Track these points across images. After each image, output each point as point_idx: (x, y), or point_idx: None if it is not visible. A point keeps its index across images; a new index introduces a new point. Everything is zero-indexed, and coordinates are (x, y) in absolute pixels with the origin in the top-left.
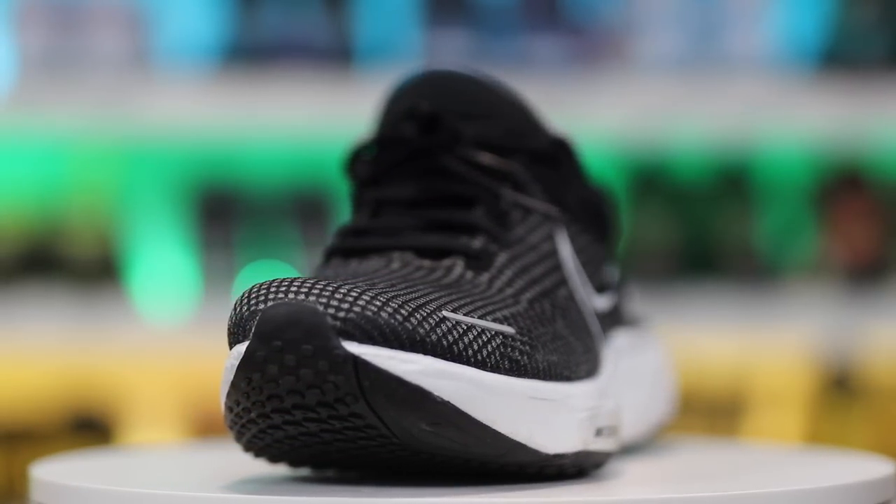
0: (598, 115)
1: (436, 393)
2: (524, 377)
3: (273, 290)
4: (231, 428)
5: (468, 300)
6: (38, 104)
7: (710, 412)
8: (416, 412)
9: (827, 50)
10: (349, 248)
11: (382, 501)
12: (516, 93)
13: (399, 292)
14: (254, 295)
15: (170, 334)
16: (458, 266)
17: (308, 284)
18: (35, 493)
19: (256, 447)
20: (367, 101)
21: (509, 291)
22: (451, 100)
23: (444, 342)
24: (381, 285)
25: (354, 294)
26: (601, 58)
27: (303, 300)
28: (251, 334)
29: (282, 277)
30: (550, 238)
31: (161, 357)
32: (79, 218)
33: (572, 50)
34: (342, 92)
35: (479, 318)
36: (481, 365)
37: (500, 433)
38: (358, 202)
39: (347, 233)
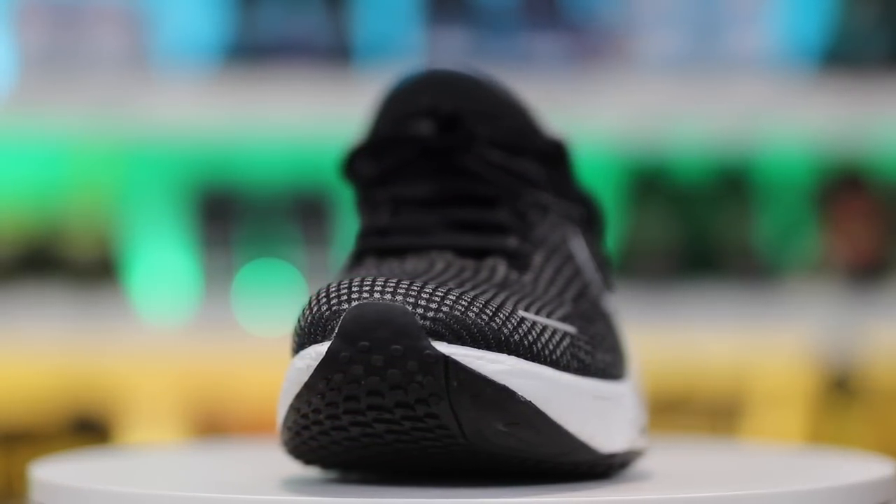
0: (598, 115)
1: (520, 393)
2: (588, 377)
3: (356, 289)
4: (289, 429)
5: (530, 300)
6: (38, 104)
7: (710, 412)
8: (497, 412)
9: (828, 50)
10: (384, 247)
11: (384, 501)
12: (516, 92)
13: (477, 292)
14: (333, 294)
15: (170, 335)
16: (502, 266)
17: (392, 284)
18: (34, 493)
19: (308, 449)
20: (367, 101)
21: (553, 291)
22: (460, 99)
23: (526, 342)
24: (452, 284)
25: (440, 294)
26: (601, 57)
27: (390, 300)
28: (334, 334)
29: (359, 277)
30: (567, 239)
31: (161, 357)
32: (78, 218)
33: (572, 49)
34: (342, 91)
35: (547, 317)
36: (556, 365)
37: (569, 433)
38: (367, 201)
39: (372, 232)
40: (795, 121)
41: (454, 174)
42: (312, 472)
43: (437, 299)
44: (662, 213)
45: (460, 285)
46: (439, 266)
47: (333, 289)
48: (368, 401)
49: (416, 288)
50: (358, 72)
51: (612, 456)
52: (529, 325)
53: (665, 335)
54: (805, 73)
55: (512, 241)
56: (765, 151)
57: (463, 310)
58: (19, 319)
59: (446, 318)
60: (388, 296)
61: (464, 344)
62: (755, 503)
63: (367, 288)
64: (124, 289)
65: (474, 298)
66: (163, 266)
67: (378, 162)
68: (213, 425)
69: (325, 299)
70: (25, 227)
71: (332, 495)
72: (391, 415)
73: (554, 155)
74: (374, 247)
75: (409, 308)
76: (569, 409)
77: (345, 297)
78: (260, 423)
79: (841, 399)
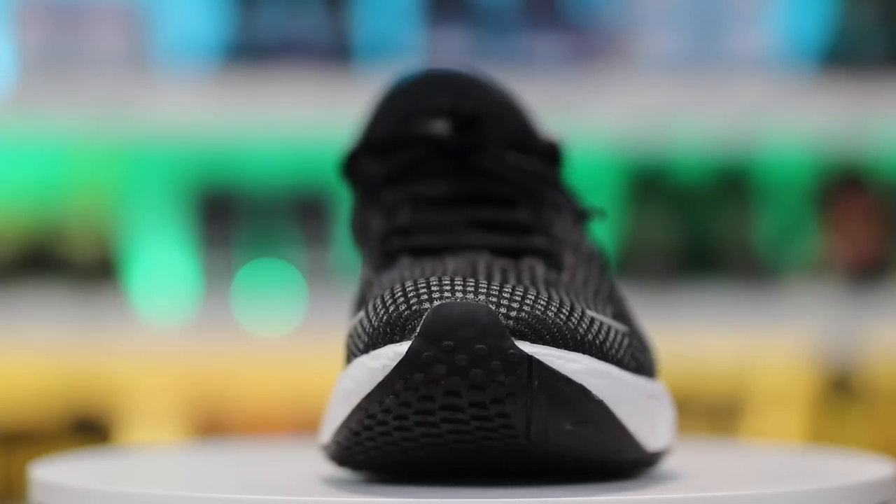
0: (598, 115)
1: (594, 392)
2: (642, 375)
3: (435, 288)
4: (349, 430)
5: (583, 299)
6: (38, 104)
7: (710, 412)
8: (569, 412)
9: (828, 50)
10: (419, 246)
11: (384, 501)
12: (514, 92)
13: (550, 292)
14: (411, 293)
15: (169, 335)
16: (539, 266)
17: (472, 283)
18: (34, 493)
19: (361, 450)
20: (367, 101)
21: (591, 290)
22: (471, 99)
23: (597, 342)
24: (521, 285)
25: (520, 293)
26: (602, 57)
27: (473, 299)
28: (415, 334)
29: (435, 276)
30: (582, 237)
31: (160, 357)
32: (78, 218)
33: (572, 49)
34: (342, 91)
35: (604, 317)
36: (620, 364)
37: (629, 432)
38: (374, 200)
39: (397, 232)
40: (795, 121)
41: (471, 174)
42: (312, 471)
43: (518, 299)
44: (662, 214)
45: (525, 285)
46: (482, 266)
47: (410, 288)
48: (444, 401)
49: (496, 287)
50: (358, 72)
51: (655, 454)
52: (599, 324)
53: (665, 335)
54: (805, 73)
55: (543, 241)
56: (765, 151)
57: (542, 309)
58: (19, 319)
59: (528, 317)
60: (471, 295)
61: (545, 343)
62: (755, 503)
63: (448, 287)
64: (124, 289)
65: (550, 298)
66: (163, 266)
67: (384, 161)
68: (213, 425)
69: (402, 298)
70: (25, 226)
71: (334, 495)
72: (462, 414)
73: (552, 154)
74: (409, 246)
75: (493, 307)
76: (631, 408)
77: (425, 297)
78: (260, 423)
79: (841, 399)
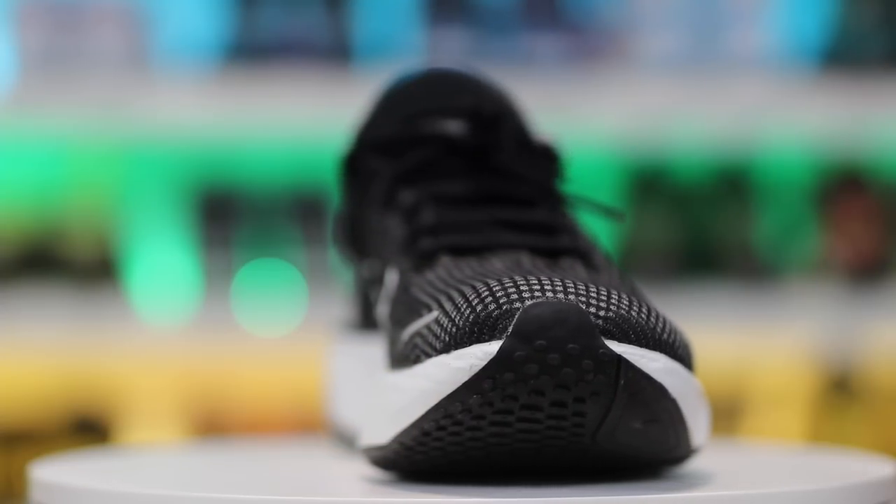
0: (598, 115)
1: (670, 390)
2: (694, 374)
3: (524, 288)
4: (420, 429)
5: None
6: (38, 104)
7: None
8: (646, 410)
9: (828, 50)
10: (461, 246)
11: (385, 500)
12: (511, 92)
13: (620, 291)
14: (500, 293)
15: (169, 335)
16: (579, 266)
17: (559, 283)
18: (34, 493)
19: (423, 453)
20: (367, 101)
21: (627, 289)
22: (483, 99)
23: (669, 340)
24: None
25: (605, 293)
26: (602, 57)
27: (563, 299)
28: (506, 333)
29: (520, 276)
30: (593, 237)
31: (160, 357)
32: (78, 218)
33: (572, 49)
34: (342, 91)
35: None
36: (683, 362)
37: (689, 430)
38: (392, 199)
39: (425, 231)
40: (795, 121)
41: (488, 174)
42: (312, 471)
43: (605, 298)
44: (663, 214)
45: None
46: (527, 265)
47: (497, 288)
48: (527, 400)
49: (582, 287)
50: (358, 72)
51: (696, 451)
52: (667, 323)
53: None
54: (805, 73)
55: (572, 241)
56: (765, 151)
57: (627, 309)
58: (19, 319)
59: (615, 317)
60: (561, 295)
61: (629, 343)
62: (755, 503)
63: (537, 287)
64: (124, 289)
65: (630, 299)
66: (162, 266)
67: (394, 160)
68: (213, 425)
69: (489, 298)
70: (25, 227)
71: (334, 495)
72: (540, 414)
73: (550, 155)
74: (448, 245)
75: (583, 307)
76: (691, 406)
77: (515, 297)
78: (260, 423)
79: (841, 399)
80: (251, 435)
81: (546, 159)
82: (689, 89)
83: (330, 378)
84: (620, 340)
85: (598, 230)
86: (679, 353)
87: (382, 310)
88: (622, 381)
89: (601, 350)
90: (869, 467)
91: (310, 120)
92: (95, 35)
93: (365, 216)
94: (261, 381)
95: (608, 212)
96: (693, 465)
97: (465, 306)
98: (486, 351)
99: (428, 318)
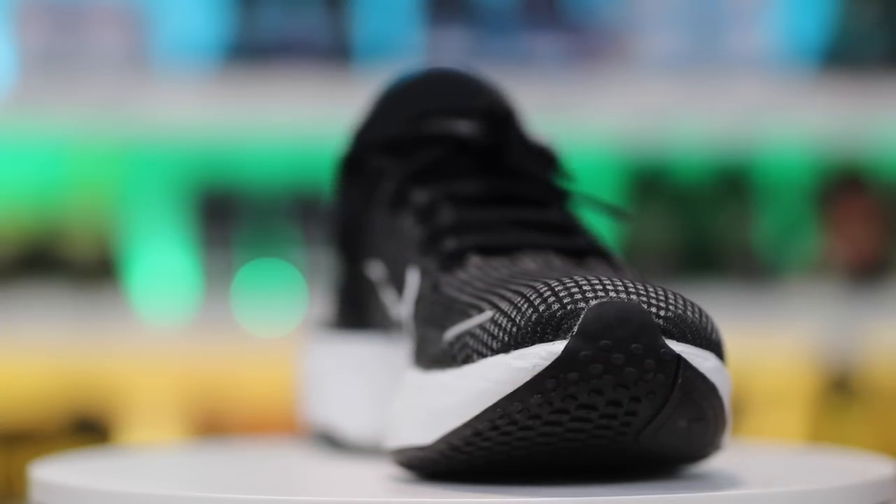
0: (598, 115)
1: (719, 389)
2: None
3: (587, 288)
4: (472, 429)
5: None
6: (38, 104)
7: None
8: (695, 409)
9: (828, 50)
10: (490, 245)
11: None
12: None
13: (674, 291)
14: (564, 293)
15: (169, 335)
16: (604, 265)
17: (620, 282)
18: (34, 493)
19: (466, 454)
20: (367, 101)
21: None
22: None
23: (716, 339)
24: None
25: (662, 292)
26: (601, 57)
27: (626, 298)
28: (571, 333)
29: (580, 276)
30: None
31: (161, 357)
32: (78, 218)
33: (572, 49)
34: (342, 91)
35: None
36: (724, 361)
37: (726, 430)
38: (404, 198)
39: (447, 231)
40: (795, 121)
41: (500, 173)
42: (312, 471)
43: (663, 298)
44: (663, 213)
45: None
46: (559, 265)
47: (559, 288)
48: (586, 399)
49: (641, 287)
50: (358, 72)
51: (721, 449)
52: (713, 322)
53: None
54: (805, 74)
55: (593, 241)
56: (765, 151)
57: (682, 308)
58: (19, 319)
59: (674, 317)
60: (623, 295)
61: (686, 342)
62: (755, 503)
63: (600, 287)
64: (124, 289)
65: (683, 298)
66: (163, 266)
67: (401, 160)
68: (213, 425)
69: (552, 298)
70: (25, 227)
71: (335, 494)
72: (594, 413)
73: (549, 155)
74: (479, 245)
75: (645, 307)
76: (729, 404)
77: (578, 297)
78: (260, 423)
79: (841, 399)
80: (251, 435)
81: (546, 159)
82: (689, 89)
83: (311, 377)
84: (679, 340)
85: (599, 229)
86: (722, 352)
87: (403, 310)
88: (679, 381)
89: (663, 350)
90: (869, 467)
91: (310, 120)
92: (95, 35)
93: (369, 216)
94: (261, 381)
95: (614, 211)
96: (692, 465)
97: (526, 306)
98: (550, 350)
99: (480, 318)
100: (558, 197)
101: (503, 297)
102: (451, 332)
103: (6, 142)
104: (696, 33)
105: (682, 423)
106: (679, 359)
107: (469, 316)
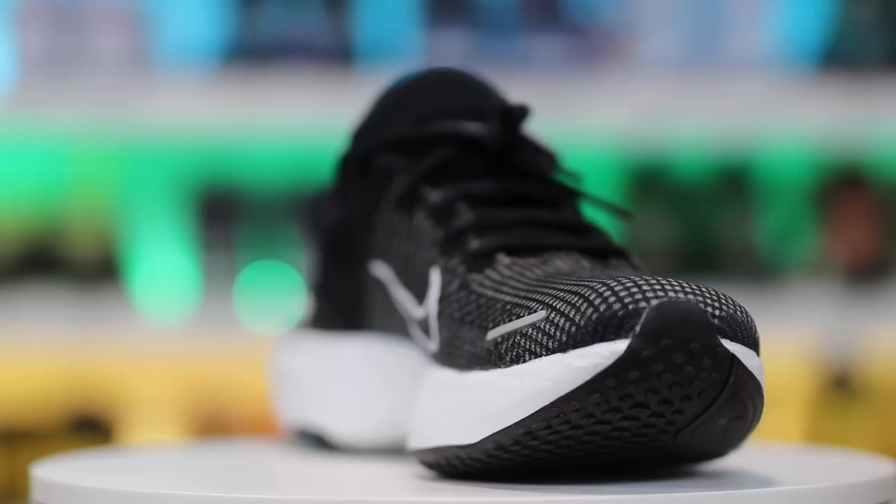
0: (598, 116)
1: (763, 388)
2: None
3: (647, 288)
4: (526, 428)
5: None
6: (39, 104)
7: None
8: (738, 407)
9: (827, 50)
10: (520, 245)
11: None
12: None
13: (722, 292)
14: (625, 293)
15: (171, 334)
16: (625, 265)
17: (675, 283)
18: (35, 493)
19: (514, 452)
20: (368, 101)
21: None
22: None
23: (759, 339)
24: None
25: (714, 292)
26: (601, 58)
27: (684, 298)
28: (632, 333)
29: (638, 276)
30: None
31: (162, 357)
32: (79, 218)
33: (572, 50)
34: (343, 92)
35: None
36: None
37: (754, 430)
38: (417, 198)
39: (471, 230)
40: (795, 120)
41: (508, 174)
42: (312, 471)
43: (716, 298)
44: (663, 213)
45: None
46: (587, 265)
47: (619, 288)
48: (642, 398)
49: (696, 287)
50: (358, 73)
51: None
52: (755, 322)
53: None
54: (804, 73)
55: (611, 241)
56: (764, 151)
57: (734, 308)
58: (21, 318)
59: (727, 316)
60: (681, 294)
61: (738, 342)
62: (755, 503)
63: (659, 287)
64: (126, 288)
65: (731, 298)
66: (164, 266)
67: (409, 159)
68: (215, 425)
69: (613, 298)
70: (27, 226)
71: (336, 494)
72: (645, 412)
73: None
74: (509, 245)
75: (702, 306)
76: None
77: (639, 297)
78: (260, 422)
79: (841, 399)
80: (252, 434)
81: (549, 159)
82: (688, 89)
83: (299, 379)
84: (731, 339)
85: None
86: (760, 351)
87: (425, 309)
88: (732, 380)
89: (719, 349)
90: (869, 467)
91: (310, 120)
92: (96, 35)
93: (373, 216)
94: (262, 380)
95: (618, 212)
96: (692, 464)
97: (585, 306)
98: (611, 350)
99: (532, 318)
100: (567, 197)
101: (555, 297)
102: (497, 332)
103: (8, 141)
104: (696, 33)
105: (723, 421)
106: (733, 358)
107: (517, 316)
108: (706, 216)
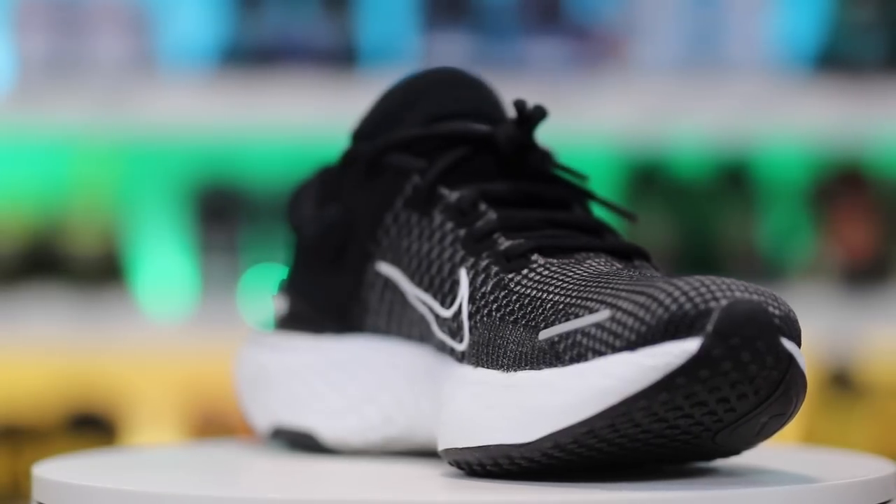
0: (598, 117)
1: (807, 386)
2: None
3: (714, 288)
4: (588, 427)
5: None
6: (40, 105)
7: None
8: (785, 405)
9: (824, 50)
10: (554, 246)
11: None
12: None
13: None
14: (694, 293)
15: (171, 333)
16: (647, 266)
17: (739, 283)
18: (36, 492)
19: (570, 451)
20: (369, 102)
21: None
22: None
23: (801, 338)
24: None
25: (770, 293)
26: (601, 60)
27: (748, 298)
28: (707, 332)
29: (704, 277)
30: None
31: (163, 356)
32: (81, 218)
33: (573, 52)
34: (343, 94)
35: None
36: None
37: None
38: (433, 197)
39: (498, 229)
40: (793, 120)
41: (519, 175)
42: (312, 471)
43: (773, 298)
44: (662, 212)
45: None
46: (618, 266)
47: (688, 288)
48: (704, 397)
49: (756, 287)
50: (359, 74)
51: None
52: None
53: None
54: (802, 74)
55: (627, 242)
56: (763, 151)
57: (787, 308)
58: (22, 317)
59: (784, 316)
60: (747, 294)
61: (793, 340)
62: (755, 503)
63: (726, 287)
64: (127, 288)
65: (781, 298)
66: (165, 265)
67: (423, 159)
68: (215, 424)
69: (683, 298)
70: (28, 226)
71: (336, 493)
72: (701, 410)
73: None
74: (543, 246)
75: (765, 306)
76: None
77: (709, 296)
78: None
79: (840, 398)
80: (252, 434)
81: (552, 162)
82: (687, 89)
83: (287, 380)
84: (788, 338)
85: None
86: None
87: (457, 309)
88: (787, 377)
89: (780, 348)
90: (869, 467)
91: (311, 122)
92: (97, 36)
93: (381, 217)
94: None
95: (623, 213)
96: (692, 464)
97: (655, 306)
98: (683, 349)
99: (595, 317)
100: (577, 198)
101: (618, 297)
102: (552, 332)
103: (9, 141)
104: (695, 34)
105: (765, 418)
106: (791, 357)
107: (575, 315)
108: (705, 216)
